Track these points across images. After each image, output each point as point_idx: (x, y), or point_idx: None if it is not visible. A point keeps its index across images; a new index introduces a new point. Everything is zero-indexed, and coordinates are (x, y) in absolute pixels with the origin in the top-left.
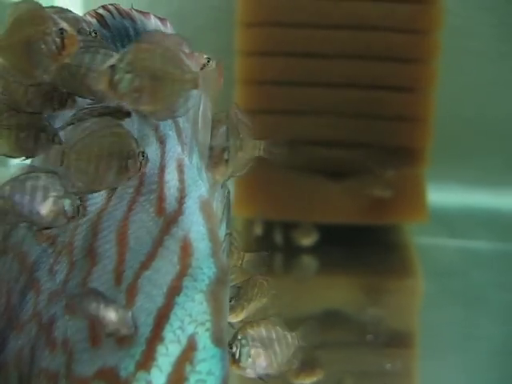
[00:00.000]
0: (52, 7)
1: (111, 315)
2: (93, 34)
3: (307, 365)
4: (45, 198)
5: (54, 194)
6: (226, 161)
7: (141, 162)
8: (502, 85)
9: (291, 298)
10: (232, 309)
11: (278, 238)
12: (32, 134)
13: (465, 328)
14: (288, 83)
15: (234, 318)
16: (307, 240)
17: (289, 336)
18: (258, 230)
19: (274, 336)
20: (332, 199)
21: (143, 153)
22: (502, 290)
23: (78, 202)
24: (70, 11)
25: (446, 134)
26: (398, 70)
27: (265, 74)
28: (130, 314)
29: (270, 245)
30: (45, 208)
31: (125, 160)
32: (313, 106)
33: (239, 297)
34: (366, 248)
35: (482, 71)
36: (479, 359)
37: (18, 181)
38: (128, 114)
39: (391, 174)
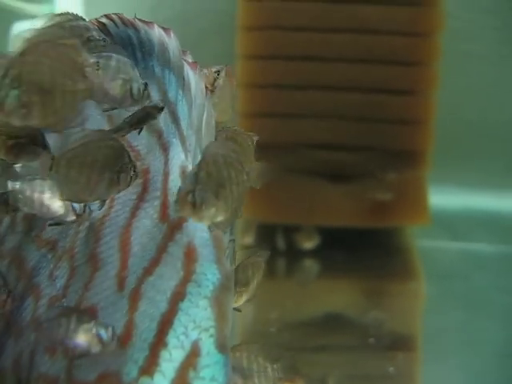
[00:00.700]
0: (64, 14)
1: (80, 338)
2: (102, 43)
3: (287, 373)
4: (54, 194)
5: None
6: (193, 204)
7: (131, 177)
8: (504, 88)
9: (293, 301)
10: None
11: (280, 241)
12: (20, 143)
13: (467, 331)
14: (289, 86)
15: (237, 303)
16: (309, 243)
17: (269, 368)
18: (249, 239)
19: (254, 367)
20: (334, 202)
21: (135, 167)
22: (503, 293)
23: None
24: (82, 19)
25: (447, 137)
26: (399, 73)
27: (266, 77)
28: (110, 329)
29: (271, 248)
30: (54, 203)
31: (117, 173)
32: (314, 110)
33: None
34: (368, 251)
35: (483, 74)
36: (481, 362)
37: (27, 178)
38: (161, 109)
39: (393, 176)
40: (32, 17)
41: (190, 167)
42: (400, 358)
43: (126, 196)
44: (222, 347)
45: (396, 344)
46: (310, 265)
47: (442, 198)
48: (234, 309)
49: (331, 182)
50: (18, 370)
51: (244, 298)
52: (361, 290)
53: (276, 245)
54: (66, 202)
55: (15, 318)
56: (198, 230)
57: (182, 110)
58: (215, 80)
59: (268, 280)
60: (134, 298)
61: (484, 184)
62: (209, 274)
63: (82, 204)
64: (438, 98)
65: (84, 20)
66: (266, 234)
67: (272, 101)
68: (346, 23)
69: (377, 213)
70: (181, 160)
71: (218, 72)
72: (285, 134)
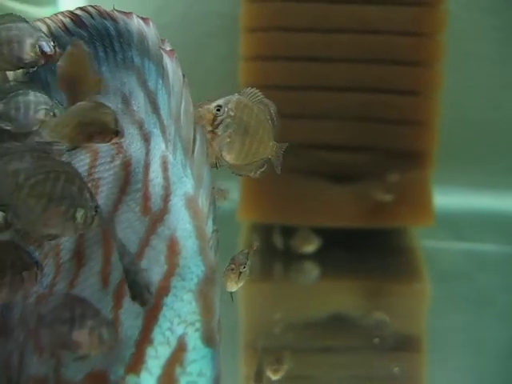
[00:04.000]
0: (7, 15)
1: (82, 339)
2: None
3: (275, 362)
4: (37, 110)
5: (44, 106)
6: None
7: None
8: (507, 88)
9: (298, 302)
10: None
11: (279, 242)
12: None
13: (472, 331)
14: (292, 87)
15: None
16: (308, 247)
17: None
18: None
19: None
20: (337, 203)
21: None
22: (508, 293)
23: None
24: (25, 20)
25: (450, 137)
26: (402, 74)
27: (269, 78)
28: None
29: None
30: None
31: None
32: (317, 110)
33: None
34: (372, 252)
35: (486, 74)
36: (486, 362)
37: (9, 98)
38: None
39: (396, 177)
40: (35, 19)
41: (170, 157)
42: (405, 359)
43: (108, 189)
44: (209, 340)
45: (401, 344)
46: (314, 266)
47: (445, 199)
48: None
49: (335, 183)
50: (9, 370)
51: (243, 280)
52: (365, 290)
53: (276, 246)
54: (47, 106)
55: (4, 317)
56: (180, 221)
57: (162, 98)
58: (215, 117)
59: (272, 281)
60: (119, 294)
61: (488, 184)
62: (193, 267)
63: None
64: (442, 98)
65: (26, 22)
66: (267, 235)
67: (274, 102)
68: (348, 24)
69: (381, 213)
70: (161, 150)
71: (220, 107)
72: (288, 134)
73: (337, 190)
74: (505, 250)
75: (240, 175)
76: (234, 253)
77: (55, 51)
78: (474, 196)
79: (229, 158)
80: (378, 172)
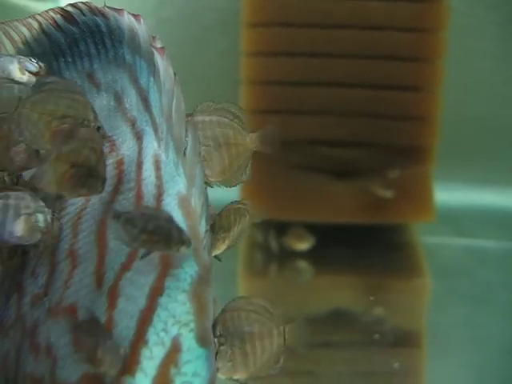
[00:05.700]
0: None
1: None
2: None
3: None
4: (16, 216)
5: (25, 211)
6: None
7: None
8: (509, 83)
9: (299, 298)
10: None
11: (274, 242)
12: None
13: (472, 327)
14: (293, 83)
15: (217, 251)
16: (302, 245)
17: (275, 331)
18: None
19: (256, 330)
20: (338, 199)
21: (100, 127)
22: (509, 289)
23: (50, 215)
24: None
25: (452, 133)
26: (404, 69)
27: (270, 74)
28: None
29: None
30: (18, 227)
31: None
32: (318, 106)
33: (215, 231)
34: (373, 247)
35: (488, 70)
36: (487, 358)
37: None
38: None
39: (398, 173)
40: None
41: (162, 156)
42: (405, 355)
43: None
44: (203, 341)
45: (401, 340)
46: (314, 262)
47: (446, 195)
48: (215, 257)
49: (336, 179)
50: (6, 369)
51: (226, 244)
52: (365, 286)
53: (273, 243)
54: (30, 222)
55: (1, 317)
56: None
57: (154, 96)
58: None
59: (272, 277)
60: (113, 295)
61: (489, 180)
62: (186, 267)
63: (48, 219)
64: (444, 93)
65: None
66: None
67: (276, 97)
68: (350, 19)
69: (382, 209)
70: (154, 149)
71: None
72: (289, 130)
73: (338, 186)
74: (506, 245)
75: (236, 184)
76: (235, 249)
77: (40, 66)
78: (475, 192)
79: (215, 177)
80: (379, 168)
